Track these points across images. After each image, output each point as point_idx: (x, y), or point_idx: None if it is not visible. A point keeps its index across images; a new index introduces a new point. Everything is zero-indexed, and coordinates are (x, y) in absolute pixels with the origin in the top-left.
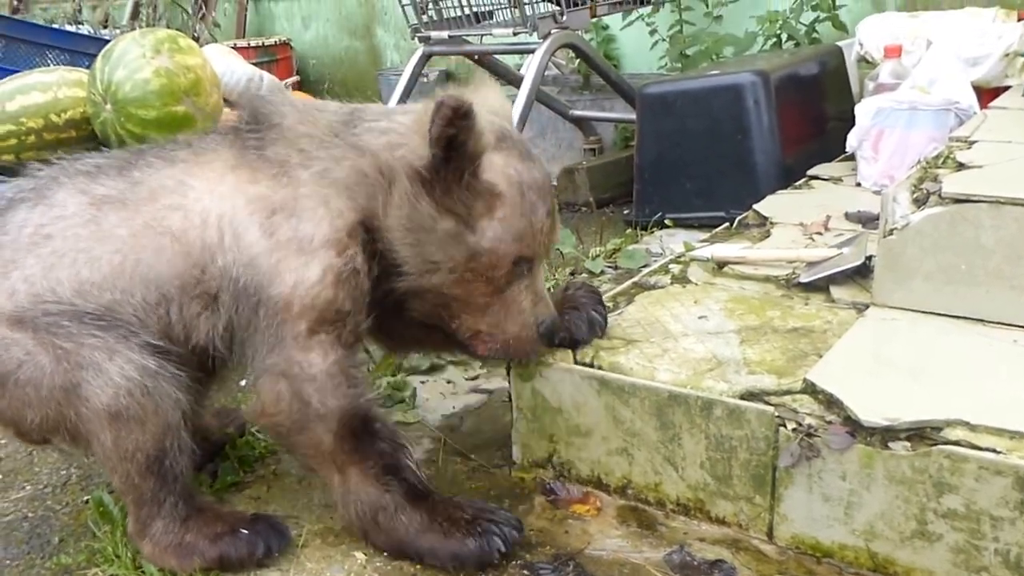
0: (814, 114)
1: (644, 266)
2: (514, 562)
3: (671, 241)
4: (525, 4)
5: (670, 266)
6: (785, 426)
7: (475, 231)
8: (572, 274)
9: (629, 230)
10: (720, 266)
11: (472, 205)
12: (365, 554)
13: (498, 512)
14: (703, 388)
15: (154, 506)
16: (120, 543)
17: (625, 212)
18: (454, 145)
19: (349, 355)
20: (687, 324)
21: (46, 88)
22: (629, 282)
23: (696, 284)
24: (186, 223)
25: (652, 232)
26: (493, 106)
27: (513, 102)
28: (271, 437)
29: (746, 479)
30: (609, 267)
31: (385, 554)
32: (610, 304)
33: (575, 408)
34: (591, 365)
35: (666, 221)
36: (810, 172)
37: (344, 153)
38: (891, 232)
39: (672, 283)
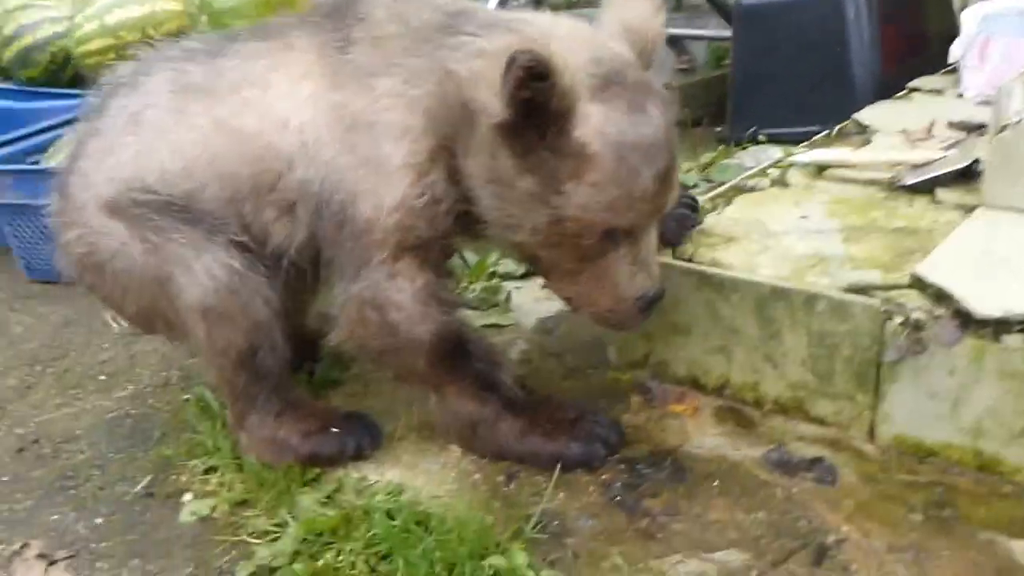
0: (915, 27)
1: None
2: (611, 457)
3: (766, 157)
4: None
5: (769, 170)
6: (892, 320)
7: (560, 194)
8: None
9: (722, 146)
10: (820, 170)
11: (557, 166)
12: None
13: (600, 416)
14: (806, 283)
15: (248, 400)
16: (219, 436)
17: (717, 130)
18: (532, 105)
19: (437, 277)
20: (787, 223)
21: (143, 1)
22: (727, 184)
23: (796, 187)
24: (262, 123)
25: (746, 148)
26: (631, 24)
27: None
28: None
29: (848, 376)
30: (703, 180)
31: None
32: (708, 205)
33: (673, 305)
34: (690, 261)
35: (760, 137)
36: (910, 84)
37: (430, 70)
38: (1004, 128)
39: (771, 186)
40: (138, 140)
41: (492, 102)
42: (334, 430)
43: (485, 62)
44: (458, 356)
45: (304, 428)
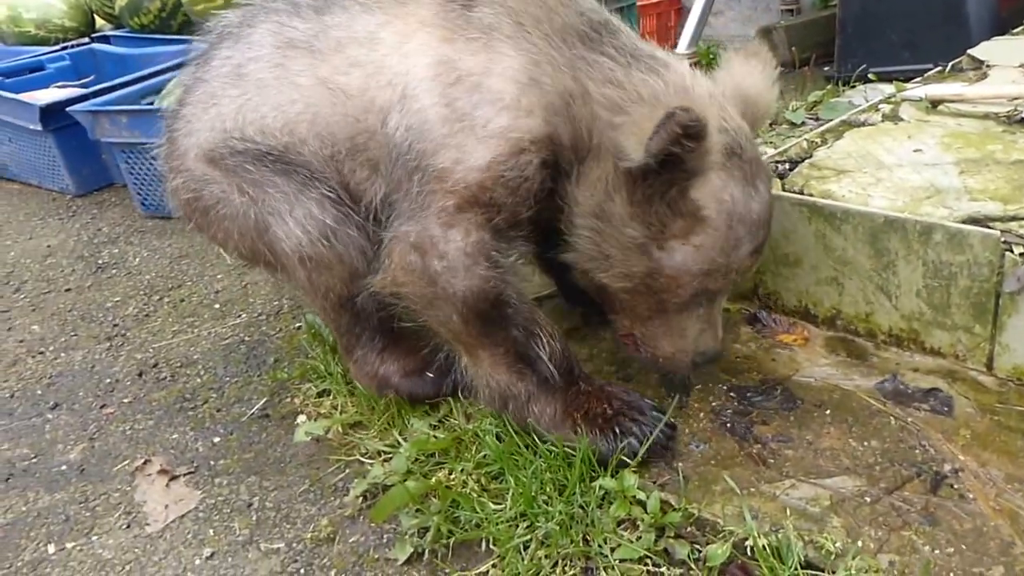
0: None
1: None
2: (721, 386)
3: (876, 94)
4: None
5: (881, 106)
6: (1011, 251)
7: (664, 249)
8: (771, 125)
9: (830, 85)
10: (934, 104)
11: (669, 222)
12: None
13: (648, 409)
14: (922, 214)
15: (352, 336)
16: (331, 361)
17: (825, 69)
18: (672, 160)
19: (497, 238)
20: (901, 156)
21: None
22: (838, 119)
23: (909, 122)
24: (366, 82)
25: (854, 87)
26: (748, 93)
27: None
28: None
29: (965, 307)
30: (810, 119)
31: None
32: (817, 140)
33: (783, 237)
34: (801, 192)
35: (869, 75)
36: None
37: (563, 70)
38: None
39: (883, 121)
40: (241, 93)
41: (631, 146)
42: (430, 375)
43: (625, 100)
44: (495, 319)
45: (405, 367)
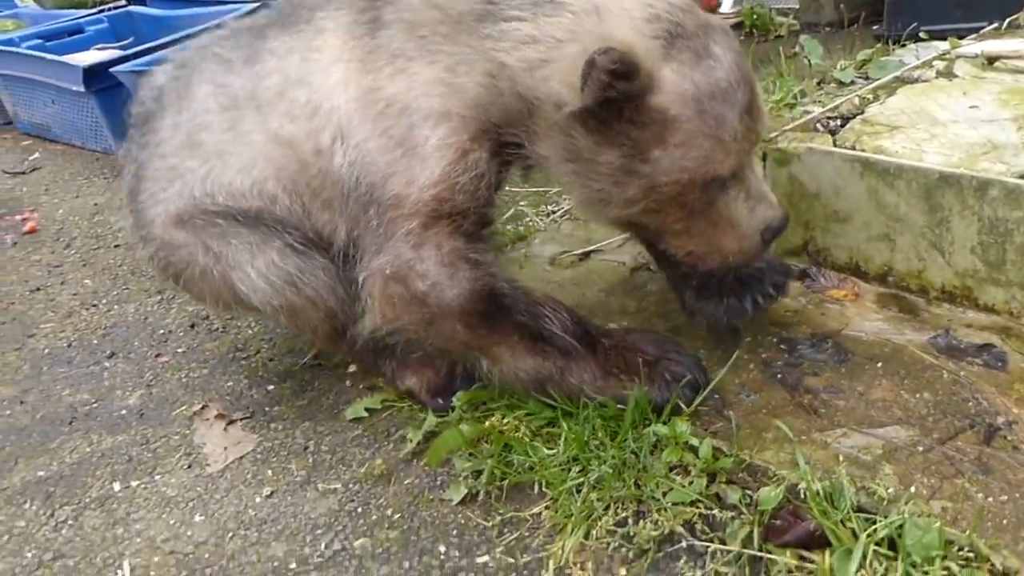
0: None
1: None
2: (770, 338)
3: (927, 52)
4: None
5: (934, 62)
6: None
7: (648, 162)
8: (819, 84)
9: (879, 44)
10: (990, 61)
11: (639, 136)
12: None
13: (680, 352)
14: (978, 169)
15: (364, 357)
16: None
17: (874, 28)
18: (610, 97)
19: (470, 241)
20: (956, 112)
21: None
22: (890, 76)
23: (964, 78)
24: (309, 126)
25: (904, 46)
26: None
27: None
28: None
29: (1021, 264)
30: (859, 77)
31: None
32: (869, 96)
33: (835, 193)
34: (853, 148)
35: (920, 34)
36: None
37: (474, 60)
38: None
39: (937, 77)
40: (203, 163)
41: (566, 94)
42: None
43: (543, 51)
44: (497, 314)
45: (428, 384)
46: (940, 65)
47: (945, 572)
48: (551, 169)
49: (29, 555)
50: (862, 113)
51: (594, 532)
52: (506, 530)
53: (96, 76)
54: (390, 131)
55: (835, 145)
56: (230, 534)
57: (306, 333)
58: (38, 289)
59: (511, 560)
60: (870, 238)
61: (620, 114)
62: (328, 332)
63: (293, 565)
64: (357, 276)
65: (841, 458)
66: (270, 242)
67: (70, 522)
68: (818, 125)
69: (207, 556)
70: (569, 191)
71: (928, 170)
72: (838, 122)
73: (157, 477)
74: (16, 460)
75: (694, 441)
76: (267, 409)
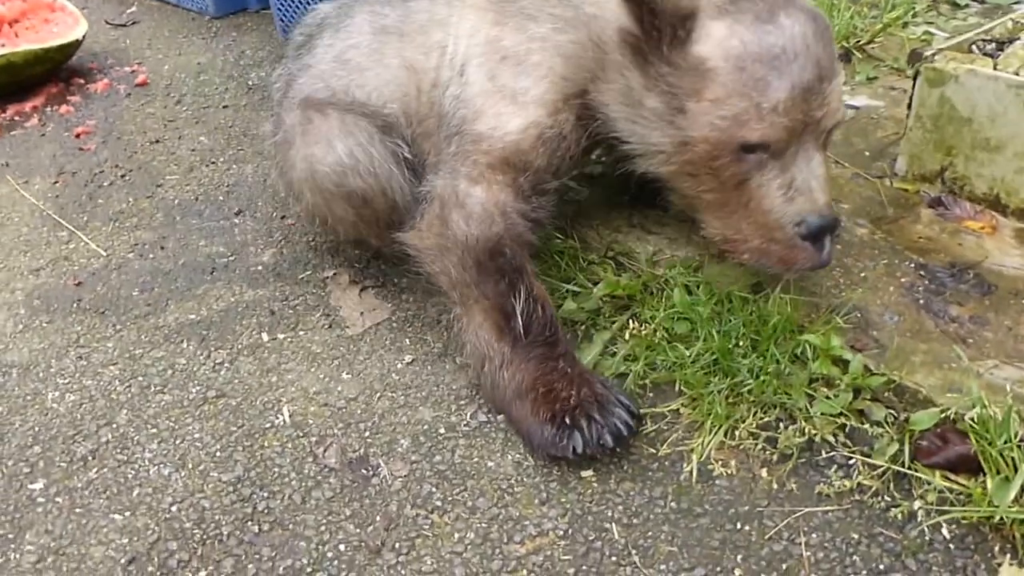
0: None
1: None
2: (907, 263)
3: None
4: None
5: None
6: None
7: (683, 113)
8: (931, 5)
9: None
10: None
11: (678, 83)
12: None
13: (613, 408)
14: None
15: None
16: None
17: None
18: (648, 10)
19: (520, 202)
20: None
21: None
22: None
23: None
24: (439, 60)
25: None
26: None
27: None
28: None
29: None
30: (975, 1)
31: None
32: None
33: (990, 119)
34: (1016, 74)
35: None
36: None
37: (569, 18)
38: None
39: None
40: (346, 75)
41: (616, 11)
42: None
43: None
44: (487, 267)
45: None
46: None
47: None
48: (610, 121)
49: (194, 391)
50: (1018, 39)
51: (737, 432)
52: (644, 423)
53: None
54: (498, 78)
55: (995, 68)
56: (378, 394)
57: (360, 229)
58: (157, 141)
59: (652, 451)
60: (1019, 170)
61: (663, 55)
62: (388, 225)
63: (442, 430)
64: (419, 191)
65: (1008, 388)
66: (366, 129)
67: (227, 365)
68: (974, 47)
69: (359, 412)
70: (627, 145)
71: None
72: (992, 46)
73: (301, 333)
74: (167, 302)
75: (847, 355)
76: (396, 280)
